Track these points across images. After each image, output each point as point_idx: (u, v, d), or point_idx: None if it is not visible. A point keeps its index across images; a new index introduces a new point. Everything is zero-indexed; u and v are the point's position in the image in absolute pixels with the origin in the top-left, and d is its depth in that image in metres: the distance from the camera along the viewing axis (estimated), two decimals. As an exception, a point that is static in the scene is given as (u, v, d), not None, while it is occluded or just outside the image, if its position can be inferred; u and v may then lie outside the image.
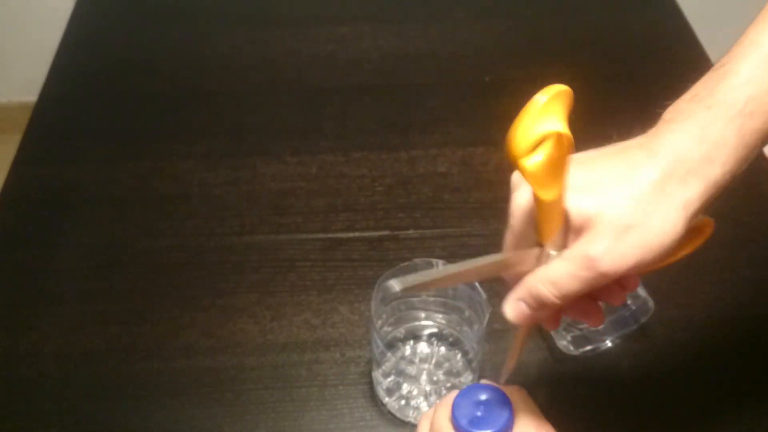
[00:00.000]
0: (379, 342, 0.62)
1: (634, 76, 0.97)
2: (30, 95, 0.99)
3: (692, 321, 0.71)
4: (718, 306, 0.72)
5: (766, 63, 0.42)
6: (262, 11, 1.08)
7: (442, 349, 0.67)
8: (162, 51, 1.02)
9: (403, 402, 0.64)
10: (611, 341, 0.68)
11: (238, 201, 0.82)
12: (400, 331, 0.67)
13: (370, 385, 0.66)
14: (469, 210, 0.80)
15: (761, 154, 0.84)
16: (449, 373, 0.66)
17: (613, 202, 0.40)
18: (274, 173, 0.85)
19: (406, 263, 0.62)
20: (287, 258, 0.76)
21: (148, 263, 0.76)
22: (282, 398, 0.65)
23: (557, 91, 0.38)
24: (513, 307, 0.44)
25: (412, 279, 0.40)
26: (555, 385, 0.66)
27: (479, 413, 0.48)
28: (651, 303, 0.68)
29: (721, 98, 0.42)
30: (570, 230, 0.42)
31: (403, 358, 0.67)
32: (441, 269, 0.45)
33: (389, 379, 0.65)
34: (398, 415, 0.64)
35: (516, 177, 0.44)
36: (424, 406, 0.64)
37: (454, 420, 0.47)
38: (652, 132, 0.44)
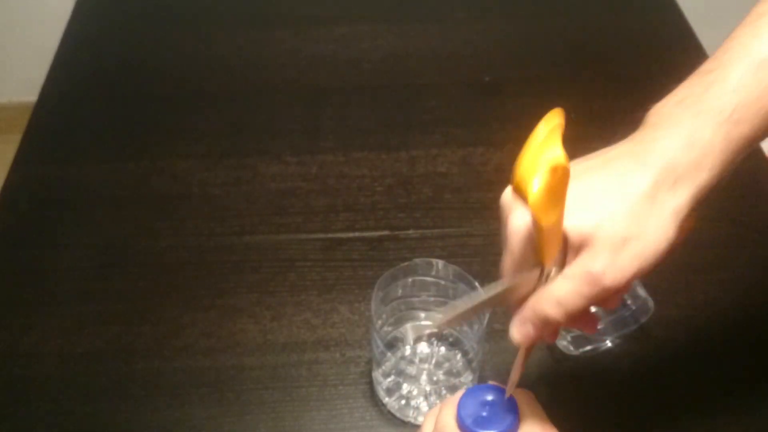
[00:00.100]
0: (379, 342, 0.62)
1: (634, 76, 0.97)
2: (30, 95, 0.99)
3: (692, 321, 0.71)
4: (718, 306, 0.72)
5: (755, 71, 0.43)
6: (262, 11, 1.08)
7: (442, 349, 0.67)
8: (162, 51, 1.02)
9: (403, 402, 0.64)
10: (611, 341, 0.68)
11: (238, 201, 0.82)
12: (400, 331, 0.67)
13: (370, 385, 0.66)
14: (469, 210, 0.80)
15: (761, 155, 0.84)
16: (449, 373, 0.66)
17: (609, 216, 0.41)
18: (274, 173, 0.85)
19: (406, 263, 0.62)
20: (287, 258, 0.76)
21: (148, 263, 0.76)
22: (282, 398, 0.65)
23: (556, 120, 0.38)
24: (520, 330, 0.45)
25: (424, 326, 0.41)
26: (555, 385, 0.66)
27: (484, 413, 0.48)
28: (651, 303, 0.68)
29: (709, 105, 0.43)
30: (569, 248, 0.42)
31: (403, 358, 0.67)
32: (450, 311, 0.46)
33: (389, 379, 0.65)
34: (398, 415, 0.64)
35: (506, 200, 0.44)
36: (424, 406, 0.64)
37: (459, 419, 0.47)
38: (639, 137, 0.44)
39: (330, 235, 0.78)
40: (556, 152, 0.37)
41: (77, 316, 0.72)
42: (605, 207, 0.42)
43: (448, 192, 0.82)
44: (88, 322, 0.71)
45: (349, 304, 0.72)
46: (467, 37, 1.03)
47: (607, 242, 0.41)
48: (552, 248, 0.42)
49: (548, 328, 0.44)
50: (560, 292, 0.42)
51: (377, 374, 0.65)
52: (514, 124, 0.89)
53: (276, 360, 0.68)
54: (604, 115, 0.89)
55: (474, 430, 0.46)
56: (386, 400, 0.64)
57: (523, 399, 0.49)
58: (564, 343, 0.67)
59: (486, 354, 0.65)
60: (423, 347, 0.67)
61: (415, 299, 0.66)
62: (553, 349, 0.68)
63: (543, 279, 0.43)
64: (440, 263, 0.63)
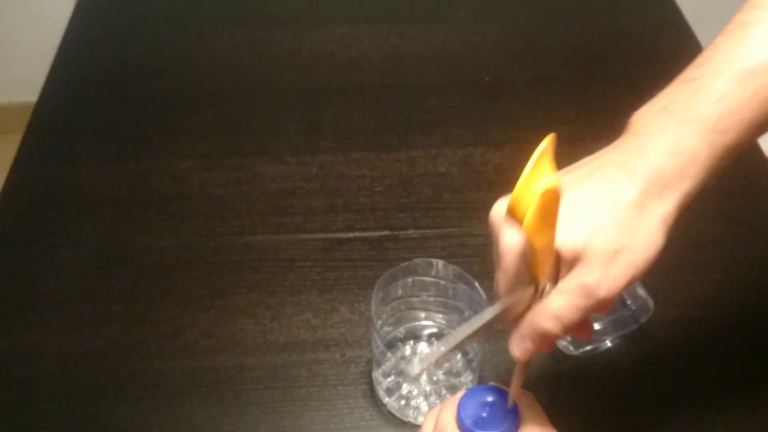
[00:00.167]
0: (379, 342, 0.62)
1: (633, 76, 0.97)
2: (30, 95, 0.99)
3: (692, 321, 0.71)
4: (718, 306, 0.72)
5: (738, 81, 0.43)
6: (263, 11, 1.08)
7: (442, 348, 0.67)
8: (162, 51, 1.02)
9: (403, 402, 0.64)
10: (611, 341, 0.68)
11: (238, 201, 0.82)
12: (400, 331, 0.67)
13: (370, 385, 0.66)
14: (469, 210, 0.80)
15: (760, 155, 0.84)
16: (449, 373, 0.66)
17: (599, 229, 0.42)
18: (274, 173, 0.85)
19: (406, 263, 0.63)
20: (287, 258, 0.76)
21: (148, 263, 0.76)
22: (282, 398, 0.65)
23: (546, 145, 0.38)
24: (519, 347, 0.45)
25: (427, 357, 0.47)
26: (555, 385, 0.66)
27: (484, 414, 0.48)
28: (651, 303, 0.68)
29: (694, 114, 0.43)
30: (562, 262, 0.43)
31: (403, 358, 0.67)
32: (452, 341, 0.47)
33: (389, 379, 0.65)
34: (398, 415, 0.64)
35: (495, 218, 0.45)
36: (424, 406, 0.64)
37: (459, 420, 0.47)
38: (623, 145, 0.45)
39: (330, 235, 0.78)
40: (547, 175, 0.38)
41: (77, 316, 0.72)
42: (595, 219, 0.42)
43: (448, 192, 0.82)
44: (88, 322, 0.71)
45: (349, 304, 0.72)
46: (467, 37, 1.03)
47: (600, 255, 0.41)
48: (546, 265, 0.42)
49: (546, 341, 0.45)
50: (556, 307, 0.43)
51: (377, 374, 0.65)
52: (514, 124, 0.90)
53: (276, 360, 0.68)
54: (604, 115, 0.89)
55: (474, 430, 0.47)
56: (386, 400, 0.64)
57: (524, 400, 0.49)
58: (564, 343, 0.68)
59: (486, 354, 0.65)
60: (423, 347, 0.67)
61: (415, 299, 0.66)
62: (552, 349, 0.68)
63: (538, 295, 0.44)
64: (440, 263, 0.63)
